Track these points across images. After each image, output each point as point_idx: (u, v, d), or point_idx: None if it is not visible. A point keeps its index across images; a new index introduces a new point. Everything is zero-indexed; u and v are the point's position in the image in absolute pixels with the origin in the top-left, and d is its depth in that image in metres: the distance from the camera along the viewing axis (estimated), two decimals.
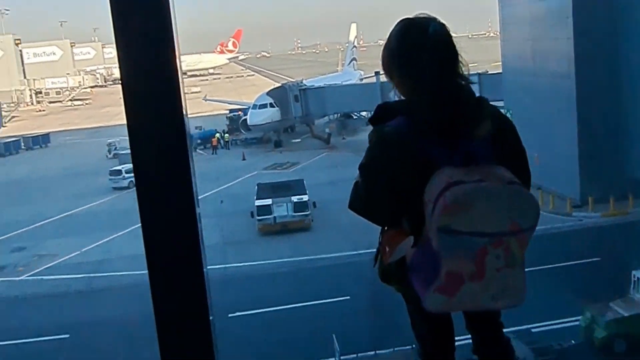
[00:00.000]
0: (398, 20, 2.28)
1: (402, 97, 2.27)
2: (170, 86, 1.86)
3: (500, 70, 34.03)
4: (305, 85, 45.15)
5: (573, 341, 15.68)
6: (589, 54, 25.50)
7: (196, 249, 1.93)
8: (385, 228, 2.30)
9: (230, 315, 18.30)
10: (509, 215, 2.00)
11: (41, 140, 54.42)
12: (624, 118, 25.40)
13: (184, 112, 1.91)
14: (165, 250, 1.90)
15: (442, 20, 2.26)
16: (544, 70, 27.95)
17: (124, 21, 1.78)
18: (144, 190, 1.89)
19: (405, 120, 2.18)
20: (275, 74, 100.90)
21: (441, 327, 2.51)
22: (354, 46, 69.16)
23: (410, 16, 2.31)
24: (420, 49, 2.18)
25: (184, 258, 1.90)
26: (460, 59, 2.25)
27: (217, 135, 47.01)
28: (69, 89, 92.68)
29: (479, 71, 40.00)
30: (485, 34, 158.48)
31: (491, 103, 2.27)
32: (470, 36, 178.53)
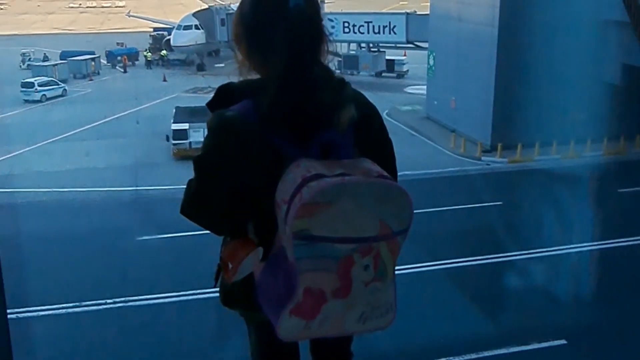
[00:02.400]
0: None
1: (248, 76, 1.93)
2: None
3: (428, 12, 34.09)
4: (233, 9, 43.97)
5: None
6: (514, 3, 25.90)
7: None
8: (227, 238, 1.92)
9: (138, 238, 18.30)
10: (378, 216, 1.67)
11: None
12: (541, 70, 26.16)
13: None
14: None
15: None
16: (469, 16, 28.25)
17: None
18: None
19: (252, 104, 1.81)
20: None
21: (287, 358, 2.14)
22: None
23: None
24: (275, 23, 1.83)
25: None
26: (326, 41, 1.89)
27: (144, 53, 45.73)
28: None
29: (407, 11, 40.08)
30: None
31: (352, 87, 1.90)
32: None
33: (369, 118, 1.93)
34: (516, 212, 19.41)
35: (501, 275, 14.43)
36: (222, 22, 41.90)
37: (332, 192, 1.63)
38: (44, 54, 44.62)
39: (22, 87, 34.79)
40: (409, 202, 1.71)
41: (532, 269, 14.98)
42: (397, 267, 1.75)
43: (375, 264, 1.69)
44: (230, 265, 1.82)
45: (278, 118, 1.78)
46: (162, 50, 45.56)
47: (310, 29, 1.85)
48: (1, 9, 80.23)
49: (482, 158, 25.94)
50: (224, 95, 1.86)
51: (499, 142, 25.97)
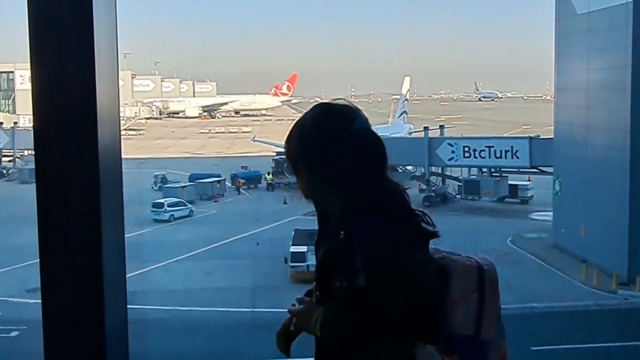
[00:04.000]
0: (315, 104, 2.08)
1: (307, 193, 2.04)
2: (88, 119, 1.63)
3: (552, 136, 33.33)
4: None
5: None
6: None
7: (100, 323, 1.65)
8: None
9: None
10: None
11: None
12: None
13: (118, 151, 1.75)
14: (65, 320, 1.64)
15: (365, 114, 2.04)
16: (597, 140, 27.29)
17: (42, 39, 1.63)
18: (46, 240, 1.66)
19: (382, 222, 1.88)
20: None
21: None
22: (406, 99, 69.26)
23: (330, 101, 2.06)
24: (343, 144, 1.94)
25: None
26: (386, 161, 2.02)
27: (265, 176, 47.42)
28: (124, 118, 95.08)
29: (531, 135, 39.42)
30: (541, 96, 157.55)
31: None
32: (525, 97, 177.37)
33: None
34: None
35: None
36: None
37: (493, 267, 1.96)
38: (164, 175, 47.06)
39: (153, 207, 36.74)
40: None
41: None
42: None
43: None
44: None
45: (408, 228, 1.89)
46: (284, 173, 47.01)
47: (377, 149, 1.97)
48: (140, 134, 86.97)
49: (619, 292, 23.99)
50: (353, 216, 1.91)
51: (638, 274, 24.06)
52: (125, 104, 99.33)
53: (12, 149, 52.64)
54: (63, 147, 1.62)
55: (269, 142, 61.39)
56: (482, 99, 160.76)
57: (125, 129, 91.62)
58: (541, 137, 37.94)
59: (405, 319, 1.85)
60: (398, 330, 1.87)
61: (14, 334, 20.49)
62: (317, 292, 2.07)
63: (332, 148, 1.93)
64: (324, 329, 1.96)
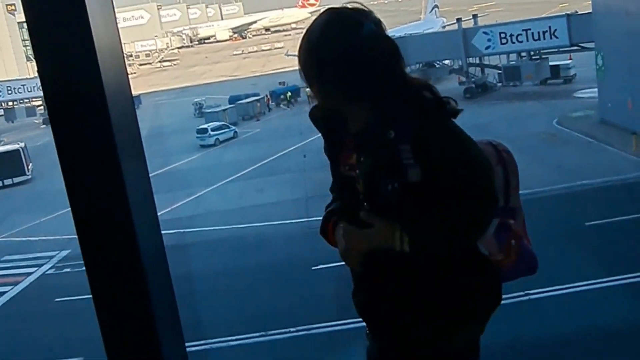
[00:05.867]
0: (324, 10, 1.91)
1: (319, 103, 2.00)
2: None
3: (590, 10, 32.14)
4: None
5: None
6: None
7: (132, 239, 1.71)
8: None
9: (313, 268, 18.69)
10: None
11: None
12: None
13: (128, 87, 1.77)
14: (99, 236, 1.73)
15: (377, 16, 1.90)
16: (637, 9, 26.26)
17: None
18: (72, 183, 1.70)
19: (429, 117, 1.90)
20: None
21: None
22: None
23: (339, 6, 1.90)
24: (352, 51, 1.82)
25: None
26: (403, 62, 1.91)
27: (305, 90, 47.30)
28: (157, 50, 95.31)
29: (568, 12, 38.11)
30: None
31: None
32: None
33: None
34: None
35: None
36: None
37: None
38: (199, 102, 47.21)
39: (197, 133, 37.40)
40: None
41: None
42: None
43: None
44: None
45: (454, 114, 1.94)
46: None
47: (389, 51, 1.88)
48: (175, 64, 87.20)
49: None
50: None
51: None
52: (156, 36, 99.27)
53: None
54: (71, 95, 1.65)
55: None
56: None
57: (159, 61, 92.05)
58: (579, 13, 36.63)
59: (491, 201, 1.87)
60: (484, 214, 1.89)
61: None
62: (365, 204, 1.97)
63: (341, 57, 1.82)
64: (415, 238, 1.86)
